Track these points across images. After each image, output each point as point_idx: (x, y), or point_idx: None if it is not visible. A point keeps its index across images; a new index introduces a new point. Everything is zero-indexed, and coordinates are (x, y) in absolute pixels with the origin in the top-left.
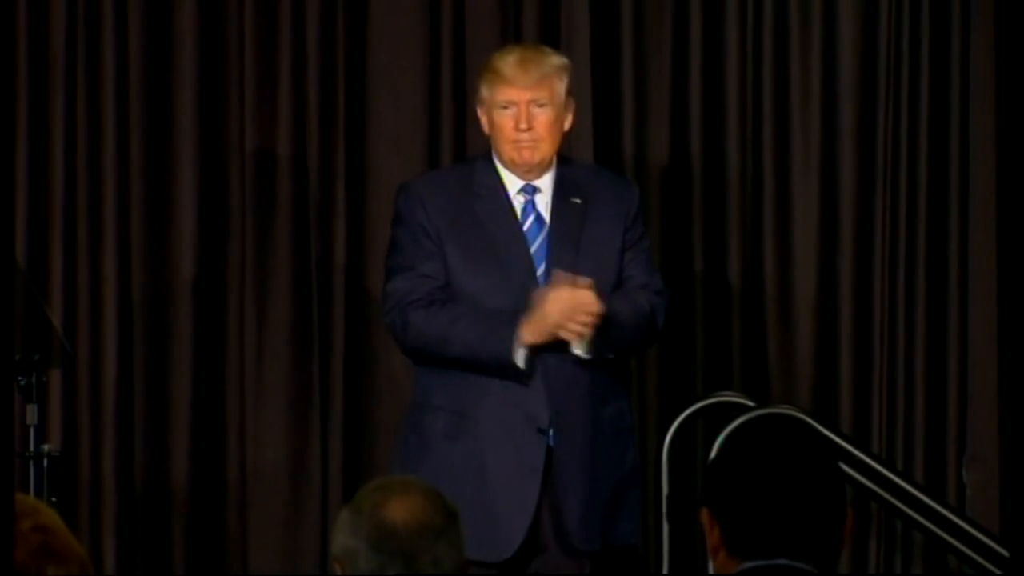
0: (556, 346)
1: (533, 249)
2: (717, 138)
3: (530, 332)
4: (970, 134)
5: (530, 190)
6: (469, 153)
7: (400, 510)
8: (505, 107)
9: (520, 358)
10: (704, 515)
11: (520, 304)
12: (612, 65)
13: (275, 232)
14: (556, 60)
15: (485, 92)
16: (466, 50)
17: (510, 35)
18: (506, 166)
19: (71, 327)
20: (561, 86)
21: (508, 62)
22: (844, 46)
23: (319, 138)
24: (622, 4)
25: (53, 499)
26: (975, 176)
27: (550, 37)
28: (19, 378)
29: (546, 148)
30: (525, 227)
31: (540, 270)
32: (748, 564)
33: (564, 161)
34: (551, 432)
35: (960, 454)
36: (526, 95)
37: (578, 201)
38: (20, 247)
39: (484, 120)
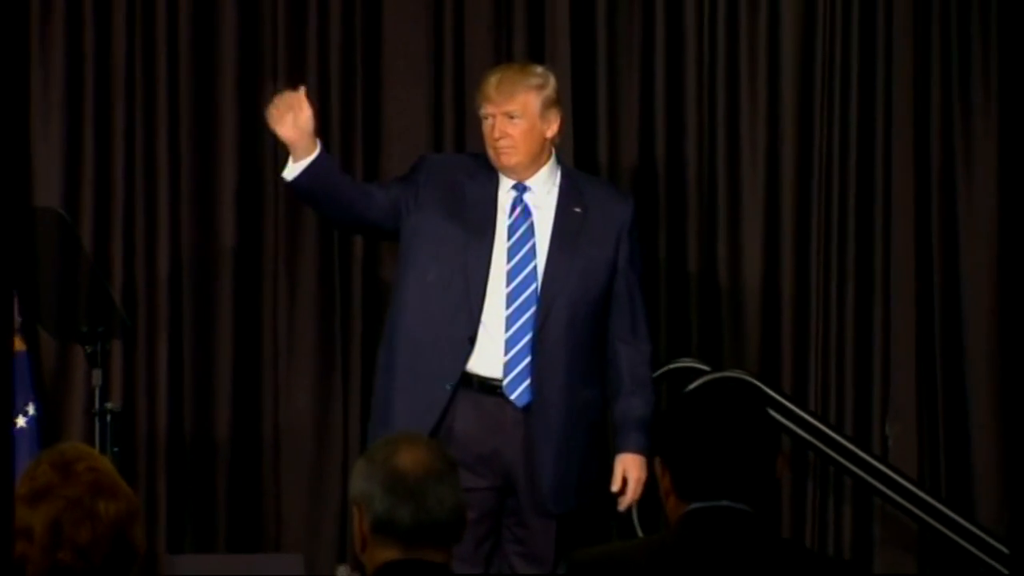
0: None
1: (512, 239)
2: (678, 143)
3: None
4: (892, 135)
5: (520, 188)
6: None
7: (408, 458)
8: (486, 118)
9: (287, 172)
10: (657, 464)
11: (470, 270)
12: (589, 81)
13: (303, 219)
14: (534, 80)
15: (476, 106)
16: (464, 65)
17: (502, 52)
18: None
19: (130, 303)
20: (536, 100)
21: (489, 81)
22: (786, 65)
23: (340, 138)
24: (597, 31)
25: (115, 449)
26: (896, 172)
27: (536, 57)
28: (86, 347)
29: (521, 152)
30: (512, 217)
31: (511, 250)
32: (694, 505)
33: (571, 172)
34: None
35: (883, 411)
36: (500, 109)
37: (579, 210)
38: (87, 235)
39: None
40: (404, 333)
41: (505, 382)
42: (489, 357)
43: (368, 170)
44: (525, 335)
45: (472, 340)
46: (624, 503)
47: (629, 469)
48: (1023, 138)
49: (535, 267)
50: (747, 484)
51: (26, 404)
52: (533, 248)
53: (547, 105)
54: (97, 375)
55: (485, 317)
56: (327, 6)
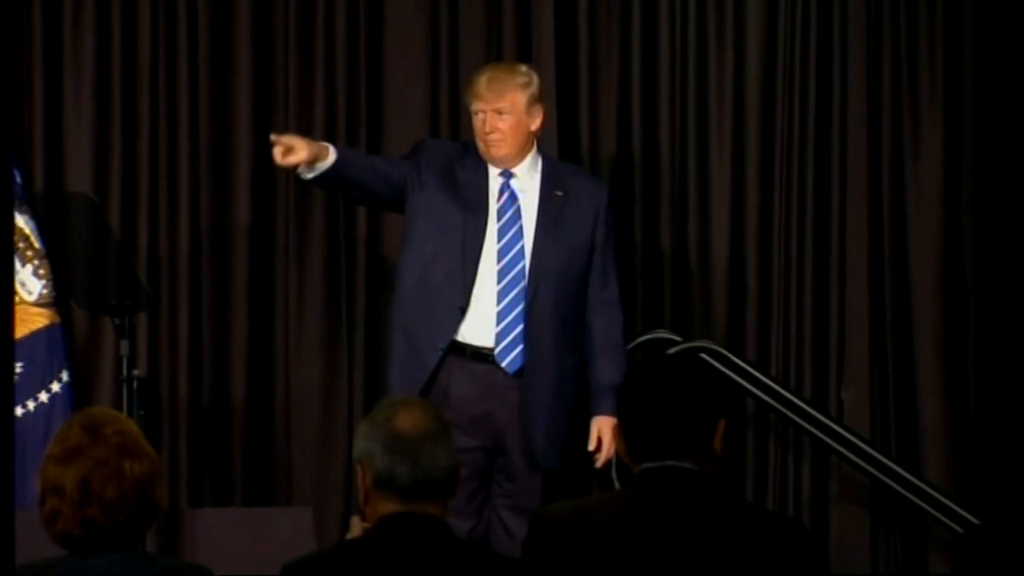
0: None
1: (501, 221)
2: (652, 134)
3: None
4: (847, 126)
5: (507, 174)
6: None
7: (406, 420)
8: (476, 113)
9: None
10: (617, 429)
11: (465, 247)
12: (571, 78)
13: (311, 206)
14: (520, 79)
15: (467, 102)
16: (459, 65)
17: (492, 52)
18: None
19: (154, 279)
20: (522, 97)
21: (480, 80)
22: (750, 63)
23: (346, 132)
24: (579, 32)
25: (140, 412)
26: (851, 160)
27: (523, 56)
28: (114, 319)
29: (509, 145)
30: (500, 201)
31: (500, 232)
32: (645, 465)
33: (551, 160)
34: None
35: (839, 377)
36: (490, 106)
37: (560, 194)
38: (114, 217)
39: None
40: (404, 302)
41: (497, 350)
42: (481, 328)
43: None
44: (516, 308)
45: (463, 310)
46: (600, 461)
47: (603, 430)
48: (966, 128)
49: (522, 246)
50: (689, 445)
51: (60, 371)
52: (520, 229)
53: (532, 101)
54: (124, 345)
55: (477, 291)
56: (332, 10)
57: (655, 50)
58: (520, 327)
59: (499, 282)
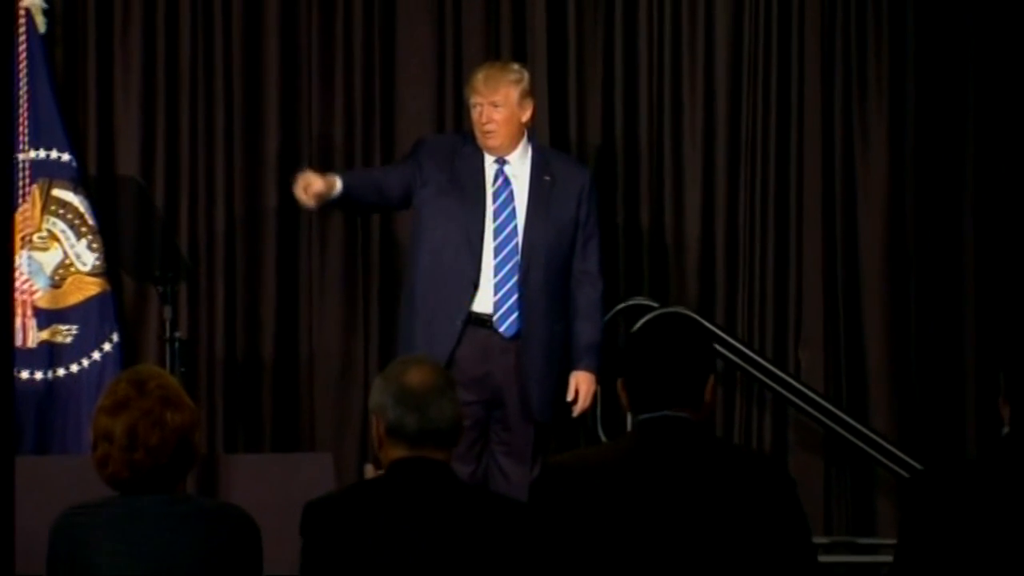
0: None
1: (496, 203)
2: (633, 125)
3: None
4: (804, 117)
5: (501, 161)
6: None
7: (415, 376)
8: (474, 107)
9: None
10: (619, 384)
11: (469, 229)
12: (561, 74)
13: None
14: (512, 75)
15: (466, 96)
16: (462, 61)
17: (491, 51)
18: (482, 147)
19: (193, 252)
20: (515, 92)
21: (477, 77)
22: (719, 62)
23: (362, 125)
24: (568, 33)
25: (182, 369)
26: (807, 146)
27: (519, 54)
28: (158, 287)
29: (503, 135)
30: (495, 185)
31: (496, 213)
32: (643, 416)
33: (540, 148)
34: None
35: (797, 339)
36: (487, 99)
37: (548, 178)
38: (159, 198)
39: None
40: (422, 282)
41: (495, 317)
42: (481, 298)
43: (384, 148)
44: (511, 279)
45: (476, 285)
46: (577, 410)
47: (580, 383)
48: (908, 120)
49: (516, 225)
50: (684, 397)
51: (111, 333)
52: (513, 210)
53: (523, 96)
54: (167, 310)
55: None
56: (351, 18)
57: (635, 51)
58: (515, 296)
59: (495, 257)
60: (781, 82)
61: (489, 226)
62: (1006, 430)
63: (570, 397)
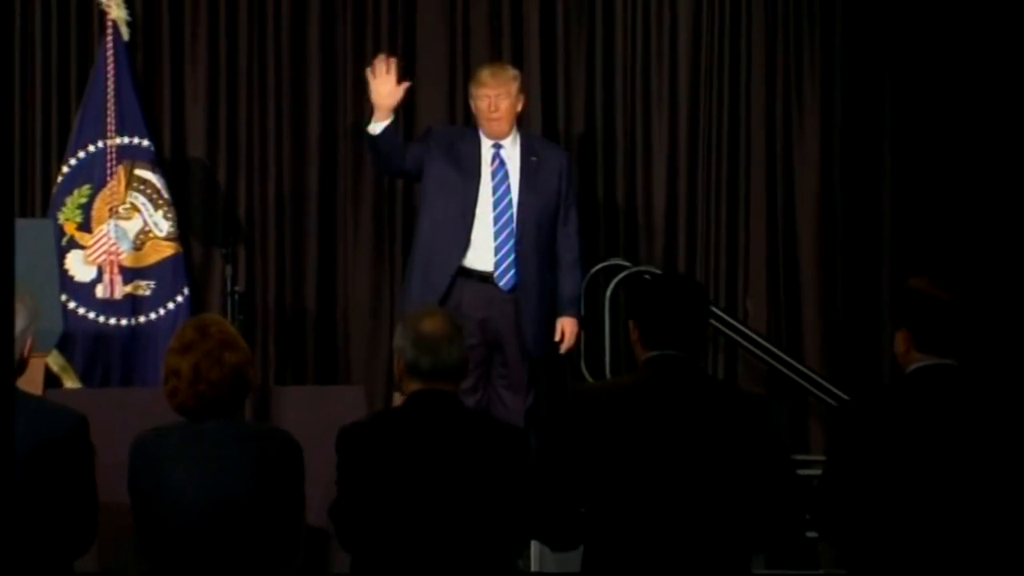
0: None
1: (495, 180)
2: (611, 116)
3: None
4: (751, 107)
5: (497, 146)
6: (471, 120)
7: (430, 324)
8: (481, 98)
9: (374, 129)
10: (631, 324)
11: (466, 202)
12: (551, 74)
13: (363, 171)
14: (512, 73)
15: (472, 90)
16: (469, 57)
17: (495, 53)
18: (484, 133)
19: (250, 221)
20: (515, 87)
21: (484, 73)
22: (681, 63)
23: None
24: (557, 41)
25: (240, 317)
26: (753, 131)
27: (516, 55)
28: (221, 250)
29: (505, 122)
30: (493, 166)
31: (495, 188)
32: (651, 353)
33: (526, 134)
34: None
35: (744, 291)
36: (494, 92)
37: (535, 159)
38: (222, 176)
39: (473, 106)
40: (422, 244)
41: (495, 273)
42: (483, 259)
43: (406, 135)
44: (508, 242)
45: (465, 247)
46: (563, 349)
47: (566, 327)
48: (836, 108)
49: (511, 198)
50: (687, 339)
51: (182, 288)
52: (508, 186)
53: (519, 90)
54: (228, 268)
55: (478, 232)
56: (379, 26)
57: (612, 55)
58: (512, 256)
59: (495, 225)
60: (732, 81)
61: (488, 199)
62: (915, 365)
63: (557, 338)
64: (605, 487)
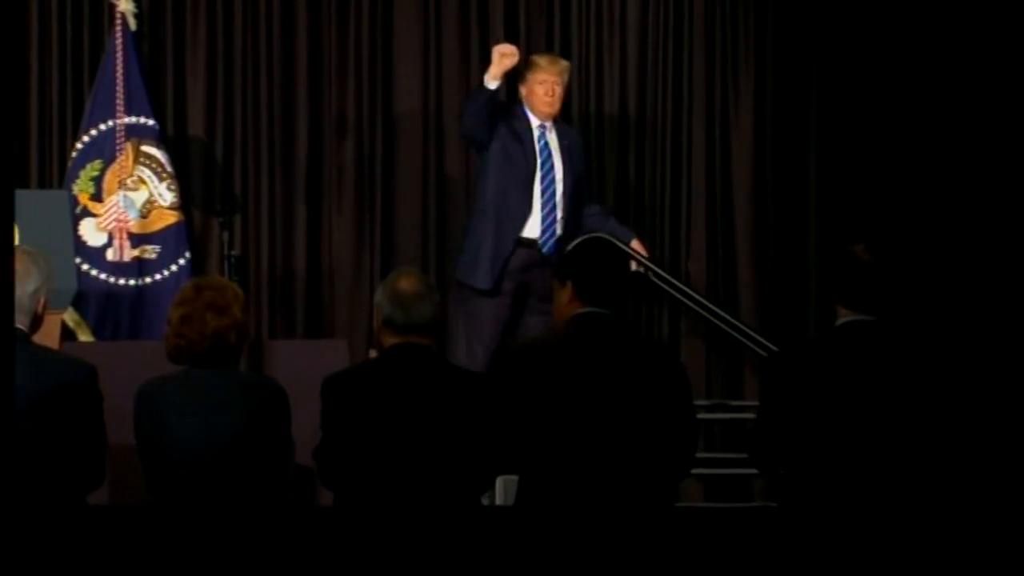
0: None
1: (541, 158)
2: (567, 99)
3: (491, 74)
4: (693, 96)
5: (542, 127)
6: (444, 98)
7: (404, 283)
8: (542, 83)
9: (493, 84)
10: (564, 283)
11: (528, 173)
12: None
13: (344, 153)
14: (565, 63)
15: (528, 75)
16: (441, 54)
17: (464, 46)
18: (534, 114)
19: (245, 192)
20: (567, 75)
21: (544, 60)
22: (631, 52)
23: (368, 96)
24: (520, 32)
25: (236, 278)
26: (695, 119)
27: (484, 47)
28: (219, 218)
29: (558, 104)
30: (540, 144)
31: (542, 164)
32: (583, 310)
33: (556, 120)
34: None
35: (687, 254)
36: (553, 78)
37: (566, 141)
38: (219, 154)
39: (524, 89)
40: (488, 209)
41: (540, 240)
42: (532, 227)
43: (385, 113)
44: (554, 213)
45: (528, 214)
46: (637, 265)
47: (636, 247)
48: (768, 94)
49: (554, 175)
50: (610, 297)
51: (184, 252)
52: (552, 164)
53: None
54: (225, 235)
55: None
56: (360, 14)
57: (569, 43)
58: (555, 227)
59: (542, 197)
60: (676, 65)
61: (537, 173)
62: (839, 321)
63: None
64: (537, 429)
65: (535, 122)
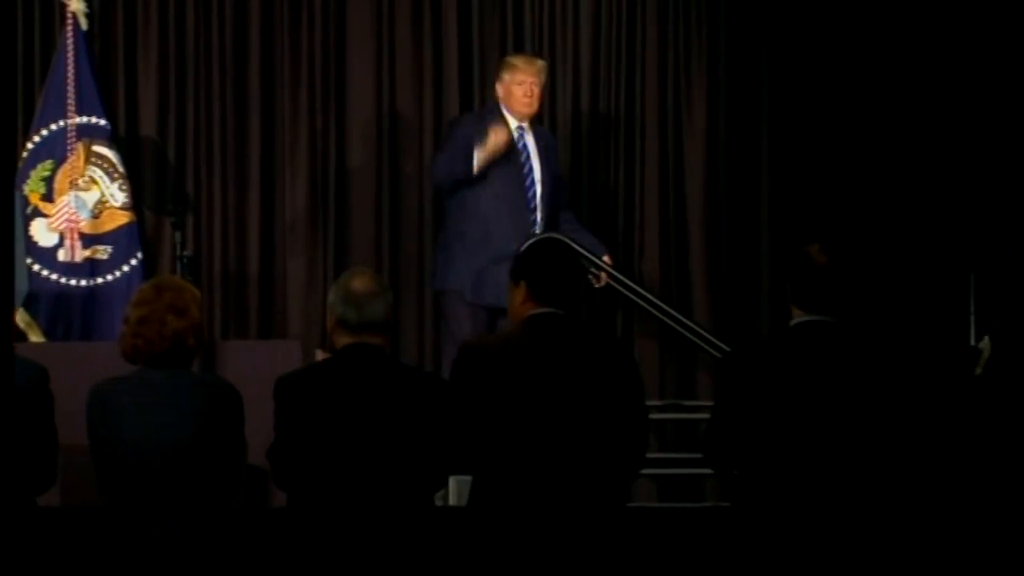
0: None
1: (523, 156)
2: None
3: (479, 158)
4: (645, 95)
5: (520, 128)
6: (397, 95)
7: (357, 283)
8: (520, 84)
9: (474, 166)
10: (518, 284)
11: (519, 175)
12: (468, 60)
13: (298, 152)
14: (542, 63)
15: (505, 75)
16: (395, 50)
17: (417, 43)
18: (512, 115)
19: (197, 193)
20: (544, 76)
21: (520, 60)
22: (583, 54)
23: (322, 93)
24: (473, 31)
25: (189, 278)
26: (647, 117)
27: (436, 44)
28: (171, 219)
29: (536, 104)
30: (520, 144)
31: (522, 166)
32: (533, 311)
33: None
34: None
35: (640, 255)
36: (532, 78)
37: (543, 142)
38: (171, 153)
39: (501, 89)
40: (480, 216)
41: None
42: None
43: (338, 110)
44: (535, 212)
45: (530, 215)
46: (602, 281)
47: (607, 258)
48: (721, 91)
49: (534, 176)
50: (565, 298)
51: (136, 252)
52: (532, 164)
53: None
54: (177, 235)
55: None
56: (313, 12)
57: (522, 43)
58: (535, 224)
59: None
60: (628, 64)
61: (519, 174)
62: (793, 322)
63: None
64: (491, 429)
65: (513, 123)
